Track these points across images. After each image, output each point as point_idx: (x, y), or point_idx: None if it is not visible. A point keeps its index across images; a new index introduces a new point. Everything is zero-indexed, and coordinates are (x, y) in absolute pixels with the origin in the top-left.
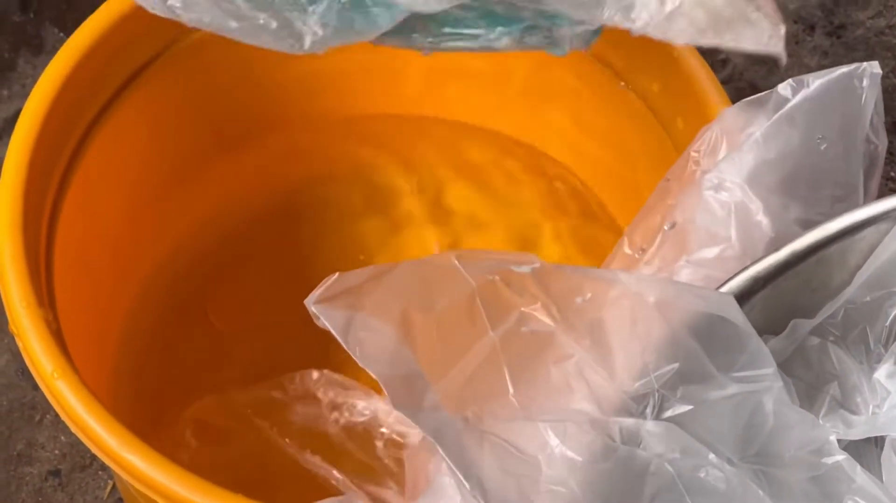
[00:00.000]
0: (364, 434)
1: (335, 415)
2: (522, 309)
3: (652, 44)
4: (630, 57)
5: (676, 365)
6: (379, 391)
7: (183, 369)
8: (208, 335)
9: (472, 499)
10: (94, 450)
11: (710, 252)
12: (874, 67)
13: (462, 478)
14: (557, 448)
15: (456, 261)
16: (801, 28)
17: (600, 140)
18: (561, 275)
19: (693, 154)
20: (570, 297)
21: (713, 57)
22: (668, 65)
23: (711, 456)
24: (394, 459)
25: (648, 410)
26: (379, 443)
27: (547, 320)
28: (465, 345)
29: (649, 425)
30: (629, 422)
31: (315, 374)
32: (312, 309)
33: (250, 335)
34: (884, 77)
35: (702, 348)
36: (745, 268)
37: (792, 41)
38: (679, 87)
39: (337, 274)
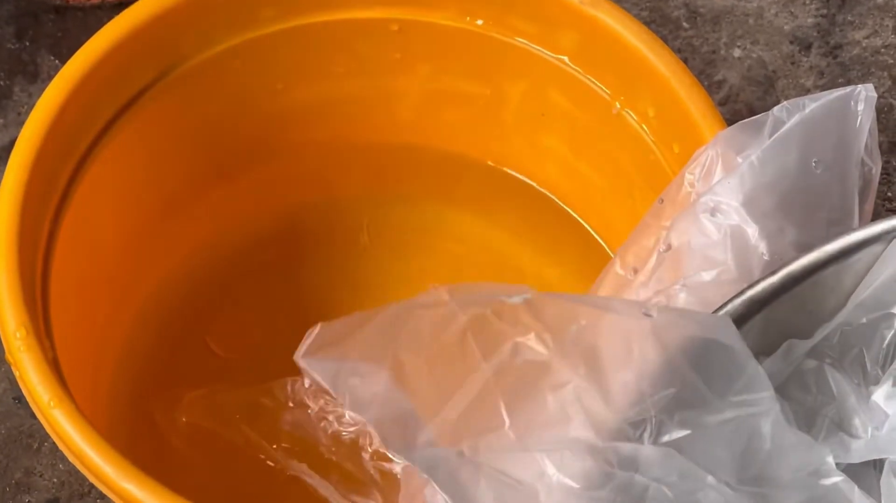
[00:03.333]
0: (351, 444)
1: (324, 423)
2: (516, 339)
3: (646, 67)
4: (624, 81)
5: (673, 390)
6: None
7: (181, 394)
8: (207, 360)
9: None
10: (92, 480)
11: (706, 275)
12: (869, 90)
13: None
14: (555, 476)
15: (447, 296)
16: (796, 48)
17: (595, 165)
18: (554, 303)
19: (688, 176)
20: (564, 325)
21: (710, 79)
22: (663, 88)
23: (710, 478)
24: (380, 471)
25: (646, 436)
26: (366, 455)
27: (541, 349)
28: (457, 381)
29: (647, 450)
30: (626, 447)
31: (307, 381)
32: (301, 363)
33: (249, 360)
34: (879, 97)
35: (698, 373)
36: (742, 291)
37: (788, 61)
38: (674, 112)
39: (319, 325)
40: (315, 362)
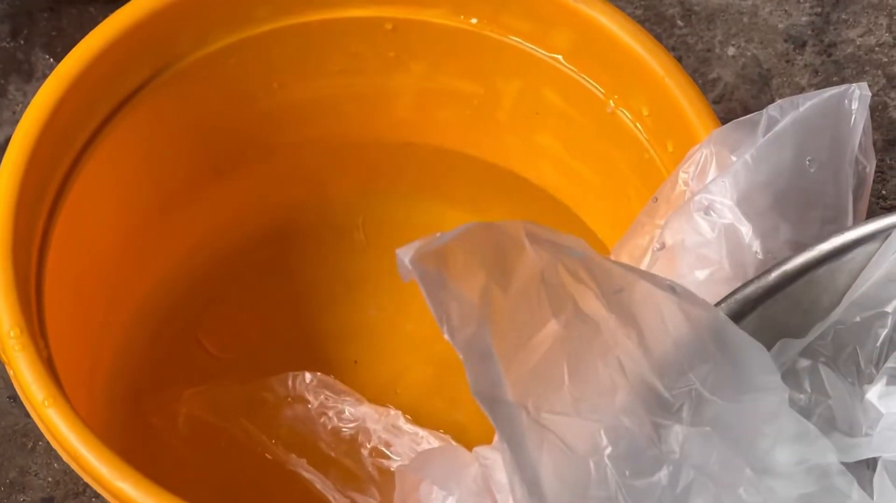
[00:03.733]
0: (350, 440)
1: (323, 419)
2: (577, 298)
3: (641, 66)
4: (619, 79)
5: (709, 365)
6: (368, 398)
7: (177, 394)
8: (203, 359)
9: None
10: (86, 479)
11: (700, 274)
12: (863, 89)
13: (522, 482)
14: (607, 451)
15: (524, 237)
16: (791, 46)
17: (589, 164)
18: (602, 265)
19: (682, 175)
20: (611, 289)
21: (704, 77)
22: (657, 87)
23: (748, 471)
24: (378, 468)
25: (685, 409)
26: (364, 451)
27: (598, 310)
28: (533, 328)
29: (690, 431)
30: (670, 424)
31: (308, 377)
32: (407, 263)
33: (245, 359)
34: (873, 95)
35: (722, 352)
36: (736, 290)
37: (783, 59)
38: (668, 110)
39: (438, 233)
40: (422, 267)
